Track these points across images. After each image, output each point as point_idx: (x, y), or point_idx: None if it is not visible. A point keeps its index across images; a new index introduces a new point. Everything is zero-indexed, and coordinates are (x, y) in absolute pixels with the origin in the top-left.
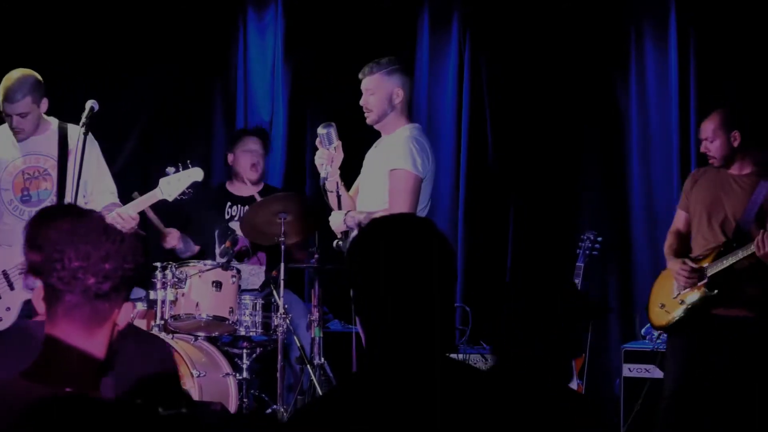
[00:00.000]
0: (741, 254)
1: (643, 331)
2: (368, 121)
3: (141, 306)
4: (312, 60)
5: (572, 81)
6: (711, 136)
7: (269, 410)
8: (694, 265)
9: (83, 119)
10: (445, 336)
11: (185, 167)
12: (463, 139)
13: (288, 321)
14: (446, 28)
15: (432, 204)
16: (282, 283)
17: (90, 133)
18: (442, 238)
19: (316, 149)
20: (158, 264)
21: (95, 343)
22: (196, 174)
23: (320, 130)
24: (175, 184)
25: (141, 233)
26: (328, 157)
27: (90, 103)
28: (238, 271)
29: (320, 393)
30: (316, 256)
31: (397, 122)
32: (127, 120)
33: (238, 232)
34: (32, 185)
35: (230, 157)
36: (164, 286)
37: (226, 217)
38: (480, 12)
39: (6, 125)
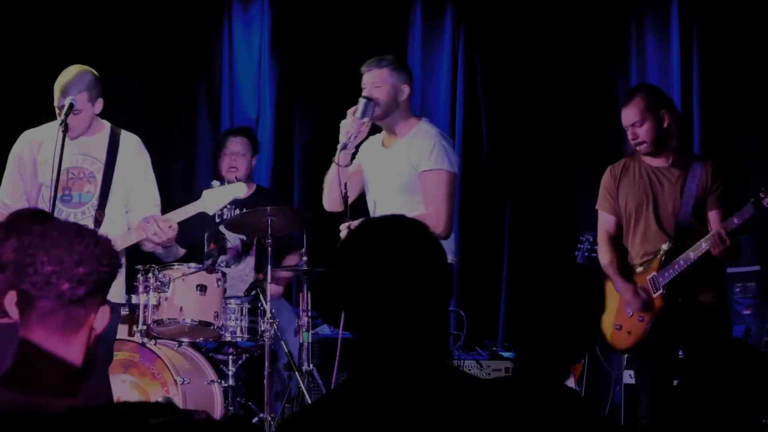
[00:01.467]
0: (693, 256)
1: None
2: (375, 114)
3: (122, 311)
4: (300, 55)
5: (570, 76)
6: (639, 120)
7: (256, 419)
8: (644, 296)
9: (62, 116)
10: (440, 340)
11: (230, 181)
12: (457, 137)
13: (275, 326)
14: (439, 21)
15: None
16: (269, 286)
17: (140, 142)
18: (436, 240)
19: (305, 146)
20: (140, 267)
21: (72, 349)
22: (239, 189)
23: (362, 99)
24: (218, 197)
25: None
26: (356, 126)
27: (69, 100)
28: (224, 275)
29: (309, 400)
30: (304, 258)
31: (407, 120)
32: (108, 117)
33: (228, 237)
34: (75, 186)
35: (219, 162)
36: (146, 289)
37: (216, 220)
38: (474, 5)
39: (54, 123)
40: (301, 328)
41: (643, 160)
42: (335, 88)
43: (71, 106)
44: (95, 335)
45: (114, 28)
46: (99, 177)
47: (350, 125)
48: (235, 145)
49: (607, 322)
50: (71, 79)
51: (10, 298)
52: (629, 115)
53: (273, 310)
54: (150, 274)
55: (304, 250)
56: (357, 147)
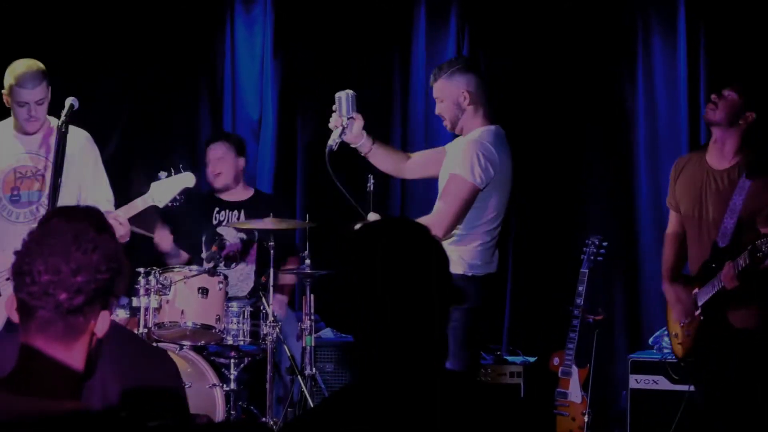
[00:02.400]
0: (718, 286)
1: (651, 340)
2: (448, 129)
3: (123, 313)
4: (303, 56)
5: (576, 77)
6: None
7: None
8: (684, 297)
9: (63, 117)
10: (441, 343)
11: (177, 171)
12: None
13: (278, 329)
14: (444, 22)
15: (429, 205)
16: (271, 289)
17: (89, 137)
18: (437, 243)
19: (308, 148)
20: (141, 270)
21: (73, 355)
22: (187, 180)
23: (338, 93)
24: (166, 189)
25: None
26: (337, 124)
27: (69, 101)
28: (225, 277)
29: (311, 405)
30: (307, 261)
31: (472, 124)
32: (107, 119)
33: (226, 237)
34: (23, 185)
35: None
36: (147, 292)
37: (214, 222)
38: (479, 6)
39: (5, 121)
40: (303, 331)
41: (706, 157)
42: (338, 88)
43: (72, 107)
44: (97, 339)
45: (114, 27)
46: (47, 175)
47: (332, 120)
48: (214, 152)
49: (671, 333)
50: (28, 71)
51: (11, 303)
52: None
53: (275, 314)
54: (151, 277)
55: (306, 252)
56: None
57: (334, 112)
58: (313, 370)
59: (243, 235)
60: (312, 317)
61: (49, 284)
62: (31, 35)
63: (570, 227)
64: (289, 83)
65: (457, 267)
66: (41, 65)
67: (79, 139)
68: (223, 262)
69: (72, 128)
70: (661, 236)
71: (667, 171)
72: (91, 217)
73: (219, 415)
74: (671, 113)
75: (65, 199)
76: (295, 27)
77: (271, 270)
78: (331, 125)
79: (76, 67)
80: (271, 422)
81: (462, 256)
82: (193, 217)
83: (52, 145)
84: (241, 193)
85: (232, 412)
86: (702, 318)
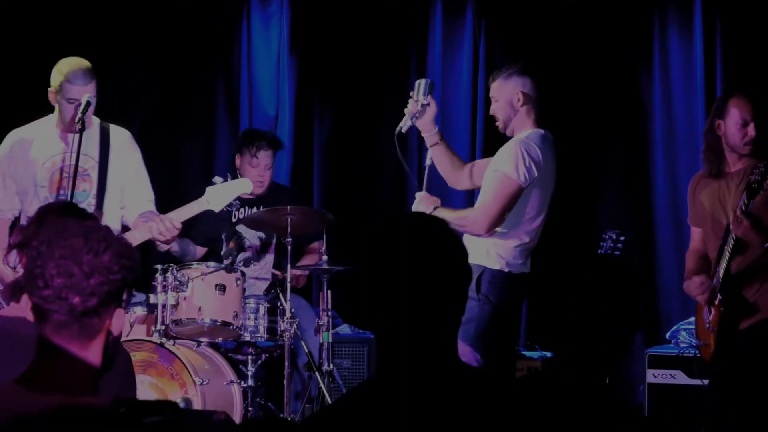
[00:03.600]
0: (727, 252)
1: (668, 334)
2: (500, 130)
3: (141, 310)
4: (319, 52)
5: (592, 72)
6: (749, 117)
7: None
8: (704, 279)
9: (79, 114)
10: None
11: (233, 177)
12: (478, 134)
13: (295, 326)
14: (460, 16)
15: (445, 201)
16: (289, 286)
17: (131, 136)
18: (456, 238)
19: (325, 143)
20: (159, 266)
21: (90, 353)
22: (244, 186)
23: (418, 80)
24: (222, 194)
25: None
26: (412, 108)
27: (86, 98)
28: (243, 274)
29: (329, 401)
30: (324, 257)
31: (522, 125)
32: (124, 114)
33: (246, 236)
34: (70, 185)
35: (237, 160)
36: (165, 289)
37: (233, 220)
38: (496, 1)
39: (44, 120)
40: (321, 327)
41: (724, 164)
42: (355, 84)
43: (88, 104)
44: (113, 338)
45: (131, 23)
46: (94, 175)
47: (408, 107)
48: (265, 159)
49: (700, 341)
50: (82, 67)
51: (26, 302)
52: (745, 111)
53: (292, 310)
54: (168, 274)
55: (323, 248)
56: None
57: (411, 97)
58: (331, 366)
59: (262, 234)
60: (329, 313)
61: (62, 288)
62: (47, 31)
63: (587, 221)
64: (305, 79)
65: (494, 263)
66: (90, 64)
67: (122, 138)
68: (242, 263)
69: (114, 127)
70: (678, 230)
71: (683, 166)
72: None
73: (237, 411)
74: (688, 106)
75: (109, 200)
76: (312, 23)
77: (288, 266)
78: (406, 110)
79: (93, 64)
80: (289, 418)
81: (500, 252)
82: (210, 214)
83: (97, 144)
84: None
85: (250, 409)
86: (722, 306)
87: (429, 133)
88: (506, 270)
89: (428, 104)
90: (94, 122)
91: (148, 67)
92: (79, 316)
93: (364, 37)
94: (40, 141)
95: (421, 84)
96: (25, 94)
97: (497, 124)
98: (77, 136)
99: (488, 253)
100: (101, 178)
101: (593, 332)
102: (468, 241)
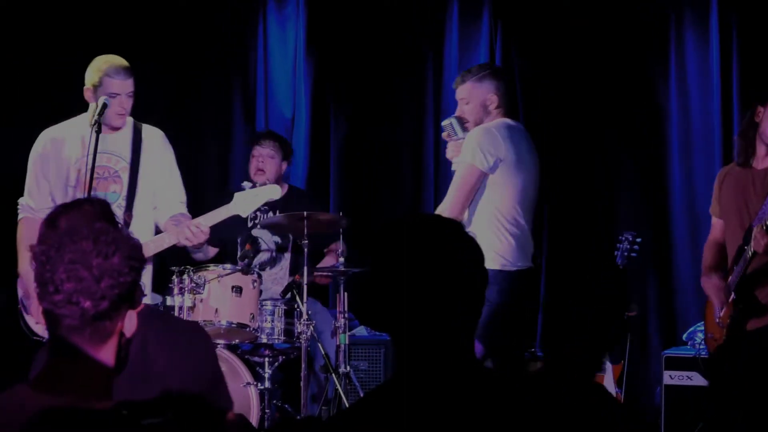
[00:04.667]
0: (748, 254)
1: (685, 336)
2: (468, 130)
3: None
4: (336, 54)
5: (609, 74)
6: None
7: None
8: (718, 281)
9: (95, 116)
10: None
11: (261, 184)
12: None
13: (312, 328)
14: (476, 20)
15: None
16: (305, 288)
17: (164, 136)
18: (470, 238)
19: (341, 146)
20: (175, 268)
21: (103, 355)
22: (272, 192)
23: (444, 122)
24: (250, 200)
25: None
26: (455, 147)
27: (102, 99)
28: (259, 276)
29: (346, 403)
30: (341, 259)
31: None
32: (139, 117)
33: (263, 239)
34: (100, 185)
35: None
36: (181, 291)
37: (249, 224)
38: (512, 3)
39: (76, 119)
40: (337, 329)
41: (753, 157)
42: (371, 87)
43: (105, 106)
44: (126, 339)
45: (147, 26)
46: (125, 176)
47: (451, 150)
48: (263, 148)
49: (707, 334)
50: (121, 62)
51: (37, 306)
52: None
53: (309, 312)
54: (185, 276)
55: (343, 249)
56: None
57: (448, 140)
58: (348, 368)
59: (278, 239)
60: (346, 315)
61: (73, 292)
62: (63, 32)
63: (604, 223)
64: (321, 81)
65: (491, 262)
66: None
67: (155, 138)
68: (258, 266)
69: (147, 127)
70: (694, 231)
71: (700, 168)
72: (104, 213)
73: (254, 413)
74: (704, 108)
75: (140, 201)
76: (328, 25)
77: (305, 268)
78: (449, 154)
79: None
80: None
81: (497, 251)
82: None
83: (129, 145)
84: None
85: (267, 411)
86: (735, 304)
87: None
88: (504, 268)
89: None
90: (128, 122)
91: (164, 70)
92: (91, 320)
93: (380, 39)
94: (72, 141)
95: (452, 123)
96: (45, 96)
97: (467, 126)
98: (94, 136)
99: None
100: (132, 179)
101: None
102: None
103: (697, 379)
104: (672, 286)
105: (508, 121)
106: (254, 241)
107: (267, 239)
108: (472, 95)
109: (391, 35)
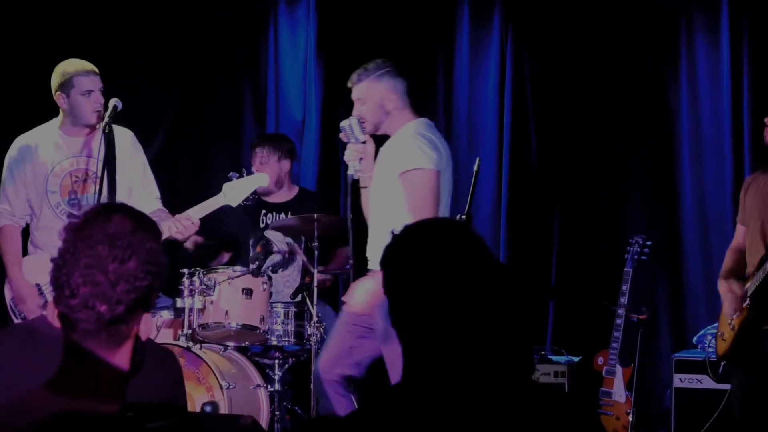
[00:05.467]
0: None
1: (695, 339)
2: (366, 131)
3: (167, 315)
4: (347, 56)
5: (619, 77)
6: None
7: None
8: (736, 289)
9: (106, 118)
10: (503, 346)
11: (249, 173)
12: (505, 139)
13: (322, 330)
14: (487, 22)
15: (472, 205)
16: (315, 290)
17: (134, 135)
18: (482, 241)
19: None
20: (185, 270)
21: (118, 358)
22: (260, 180)
23: (343, 123)
24: (239, 189)
25: (199, 240)
26: (357, 151)
27: (113, 102)
28: (269, 278)
29: (355, 405)
30: (351, 262)
31: (400, 122)
32: (151, 120)
33: (274, 241)
34: (80, 188)
35: None
36: (192, 293)
37: (261, 225)
38: (523, 5)
39: (47, 125)
40: None
41: None
42: None
43: (115, 108)
44: (142, 342)
45: (158, 28)
46: (103, 177)
47: (352, 152)
48: (255, 157)
49: (718, 334)
50: (87, 63)
51: (52, 309)
52: None
53: (319, 314)
54: (195, 278)
55: (350, 252)
56: None
57: (346, 142)
58: None
59: (289, 240)
60: None
61: (89, 297)
62: (75, 36)
63: (614, 226)
64: (332, 84)
65: None
66: None
67: (125, 138)
68: (270, 268)
69: (116, 128)
70: (705, 235)
71: (710, 171)
72: (126, 216)
73: (263, 415)
74: (714, 112)
75: (120, 200)
76: (339, 27)
77: (315, 270)
78: (346, 157)
79: (120, 68)
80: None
81: None
82: (239, 220)
83: (96, 147)
84: (286, 194)
85: (277, 413)
86: (749, 311)
87: (369, 173)
88: None
89: (365, 142)
90: (98, 126)
91: (175, 73)
92: (107, 324)
93: (391, 43)
94: (47, 146)
95: (351, 124)
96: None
97: (364, 125)
98: (101, 140)
99: None
100: (111, 179)
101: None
102: None
103: (707, 383)
104: (682, 289)
105: (425, 119)
106: (265, 244)
107: (278, 241)
108: (369, 94)
109: (402, 39)
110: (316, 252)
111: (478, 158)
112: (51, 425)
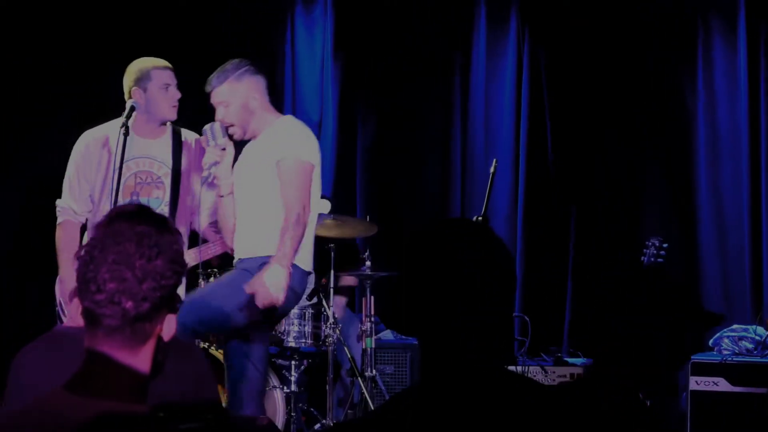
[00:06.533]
0: None
1: (711, 342)
2: (235, 137)
3: None
4: (364, 57)
5: (636, 79)
6: None
7: (318, 426)
8: None
9: (123, 120)
10: (503, 346)
11: None
12: (522, 140)
13: (338, 331)
14: (504, 23)
15: (489, 207)
16: (332, 291)
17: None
18: (501, 245)
19: (369, 150)
20: (201, 270)
21: (139, 359)
22: (322, 206)
23: (205, 127)
24: None
25: None
26: (215, 155)
27: (130, 103)
28: None
29: (372, 407)
30: (367, 263)
31: (267, 121)
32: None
33: None
34: (143, 191)
35: None
36: None
37: None
38: (540, 6)
39: (117, 121)
40: (364, 333)
41: None
42: (398, 92)
43: (132, 108)
44: (163, 343)
45: (176, 30)
46: (167, 182)
47: (206, 158)
48: None
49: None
50: (169, 65)
51: (76, 307)
52: None
53: (336, 315)
54: (212, 278)
55: (367, 254)
56: None
57: (205, 146)
58: (374, 372)
59: None
60: (372, 319)
61: (115, 292)
62: (91, 37)
63: (630, 228)
64: (349, 85)
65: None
66: None
67: (194, 142)
68: None
69: (186, 131)
70: (722, 237)
71: (727, 173)
72: (151, 217)
73: (279, 416)
74: (731, 114)
75: (182, 207)
76: (356, 28)
77: (332, 272)
78: (204, 161)
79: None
80: (332, 424)
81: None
82: None
83: (170, 151)
84: None
85: (293, 414)
86: None
87: (227, 180)
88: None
89: (225, 148)
90: (167, 127)
91: (192, 74)
92: (132, 321)
93: (408, 43)
94: (115, 143)
95: (211, 128)
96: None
97: (232, 131)
98: (122, 139)
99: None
100: (174, 184)
101: (631, 343)
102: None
103: (724, 385)
104: (698, 291)
105: (292, 116)
106: None
107: None
108: (232, 96)
109: (419, 40)
110: (332, 253)
111: (494, 160)
112: (82, 427)
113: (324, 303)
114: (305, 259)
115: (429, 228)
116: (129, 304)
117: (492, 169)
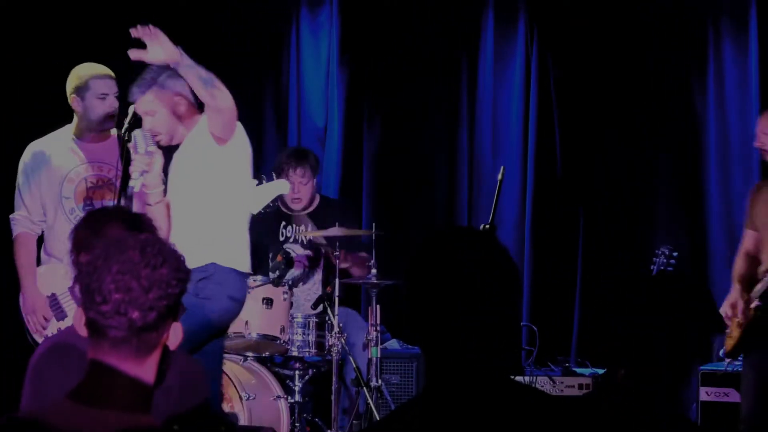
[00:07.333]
0: None
1: (721, 352)
2: (162, 143)
3: None
4: (369, 61)
5: (646, 83)
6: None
7: None
8: (741, 304)
9: (125, 124)
10: (509, 356)
11: (269, 179)
12: (530, 145)
13: (343, 340)
14: (512, 25)
15: (497, 214)
16: (337, 300)
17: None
18: (503, 250)
19: (374, 155)
20: None
21: (145, 369)
22: (282, 187)
23: (134, 132)
24: (260, 196)
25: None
26: (142, 164)
27: (132, 108)
28: (290, 288)
29: (377, 417)
30: (373, 270)
31: (193, 120)
32: None
33: (293, 254)
34: (96, 195)
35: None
36: None
37: (281, 238)
38: (548, 8)
39: (60, 132)
40: (369, 342)
41: None
42: (405, 95)
43: (134, 114)
44: (169, 353)
45: (180, 34)
46: (118, 185)
47: (134, 166)
48: (298, 175)
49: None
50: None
51: (79, 316)
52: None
53: (341, 324)
54: None
55: (372, 261)
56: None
57: (133, 153)
58: (379, 381)
59: (310, 252)
60: (378, 328)
61: (121, 303)
62: (91, 38)
63: (640, 237)
64: (355, 90)
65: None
66: None
67: (122, 142)
68: (291, 282)
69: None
70: (732, 246)
71: (738, 180)
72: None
73: (284, 427)
74: (742, 118)
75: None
76: (361, 32)
77: (337, 280)
78: (133, 169)
79: (138, 73)
80: None
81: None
82: (258, 228)
83: (112, 154)
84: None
85: (297, 424)
86: (759, 308)
87: (156, 188)
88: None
89: (153, 152)
90: (112, 132)
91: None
92: (138, 331)
93: (414, 47)
94: (60, 153)
95: (137, 136)
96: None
97: (158, 139)
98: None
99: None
100: (124, 186)
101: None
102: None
103: (734, 396)
104: (711, 296)
105: None
106: (285, 252)
107: (299, 252)
108: (159, 104)
109: (425, 43)
110: (337, 262)
111: (502, 167)
112: None
113: (329, 312)
114: (241, 260)
115: (431, 233)
116: (135, 315)
117: (500, 176)
